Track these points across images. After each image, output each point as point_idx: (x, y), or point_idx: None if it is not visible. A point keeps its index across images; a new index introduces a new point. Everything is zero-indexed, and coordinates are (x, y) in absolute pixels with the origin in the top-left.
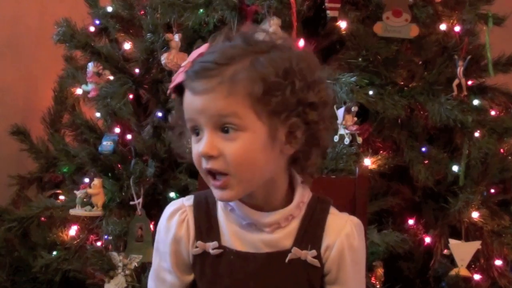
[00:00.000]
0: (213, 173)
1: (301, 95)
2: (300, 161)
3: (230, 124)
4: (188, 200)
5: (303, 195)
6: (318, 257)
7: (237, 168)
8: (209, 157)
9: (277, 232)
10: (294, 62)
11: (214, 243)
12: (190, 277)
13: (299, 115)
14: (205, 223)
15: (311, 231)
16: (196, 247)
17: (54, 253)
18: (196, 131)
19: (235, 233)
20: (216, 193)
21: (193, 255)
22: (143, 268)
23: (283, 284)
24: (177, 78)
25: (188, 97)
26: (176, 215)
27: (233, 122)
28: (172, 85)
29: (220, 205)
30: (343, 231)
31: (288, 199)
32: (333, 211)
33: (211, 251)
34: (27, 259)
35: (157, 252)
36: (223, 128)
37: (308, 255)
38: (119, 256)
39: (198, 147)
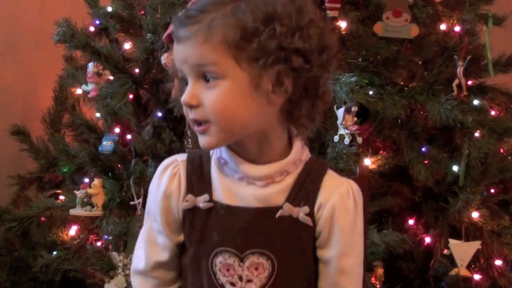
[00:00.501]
0: (198, 121)
1: (284, 40)
2: (291, 112)
3: (209, 73)
4: (181, 156)
5: (301, 152)
6: (310, 215)
7: (216, 116)
8: (190, 107)
9: (270, 187)
10: (279, 7)
11: (205, 196)
12: (181, 237)
13: (286, 61)
14: (197, 177)
15: (305, 188)
16: (186, 201)
17: (54, 253)
18: (186, 81)
19: (227, 187)
20: (200, 140)
21: (183, 210)
22: None
23: (272, 243)
24: (170, 28)
25: (175, 46)
26: (168, 170)
27: (211, 70)
28: (165, 34)
29: (213, 160)
30: (338, 190)
31: (286, 155)
32: (331, 172)
33: (201, 205)
34: (27, 259)
35: (148, 215)
36: (205, 77)
37: (301, 212)
38: (119, 256)
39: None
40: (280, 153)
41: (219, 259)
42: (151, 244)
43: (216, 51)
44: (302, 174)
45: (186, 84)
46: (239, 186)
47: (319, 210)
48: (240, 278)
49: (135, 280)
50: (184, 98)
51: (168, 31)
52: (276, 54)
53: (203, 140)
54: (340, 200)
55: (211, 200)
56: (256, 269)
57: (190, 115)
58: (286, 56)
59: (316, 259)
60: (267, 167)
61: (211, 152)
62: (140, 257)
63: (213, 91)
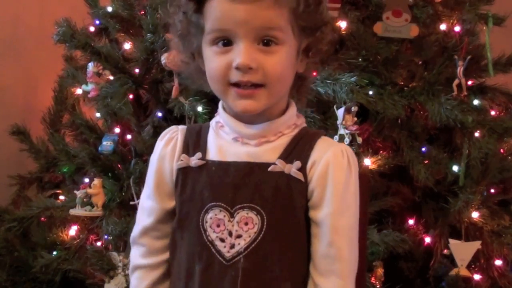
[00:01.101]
0: (250, 84)
1: (323, 15)
2: (300, 83)
3: (273, 37)
4: (182, 126)
5: (297, 118)
6: (303, 171)
7: (274, 81)
8: (247, 69)
9: (264, 146)
10: None
11: (198, 154)
12: (170, 204)
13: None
14: (193, 141)
15: (299, 148)
16: (181, 160)
17: (54, 253)
18: (224, 42)
19: (220, 147)
20: (240, 103)
21: (176, 170)
22: None
23: (263, 198)
24: None
25: (223, 4)
26: (167, 135)
27: (276, 35)
28: None
29: (212, 126)
30: (332, 149)
31: (277, 117)
32: (325, 137)
33: (193, 163)
34: (27, 259)
35: (145, 184)
36: (264, 41)
37: (293, 167)
38: (119, 256)
39: (227, 58)
40: (279, 115)
41: (209, 215)
42: (140, 209)
43: (283, 17)
44: (296, 136)
45: (222, 45)
46: (232, 146)
47: (311, 168)
48: (230, 234)
49: (131, 252)
50: (243, 60)
51: None
52: (316, 26)
53: (246, 104)
54: (333, 157)
55: (203, 158)
56: (246, 224)
57: (242, 77)
58: (321, 29)
59: (308, 224)
60: (260, 125)
61: (212, 121)
62: (134, 227)
63: (274, 56)
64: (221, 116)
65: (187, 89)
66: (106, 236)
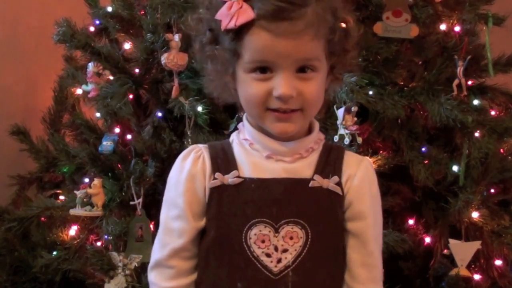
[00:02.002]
0: (290, 110)
1: (354, 36)
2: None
3: (312, 66)
4: (202, 145)
5: (319, 133)
6: (339, 184)
7: (311, 105)
8: (290, 97)
9: (298, 162)
10: (335, 2)
11: (234, 172)
12: (201, 223)
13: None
14: (222, 157)
15: (331, 163)
16: (215, 178)
17: (54, 253)
18: (262, 69)
19: (255, 164)
20: (278, 126)
21: (210, 189)
22: (143, 268)
23: (306, 212)
24: (241, 16)
25: (265, 38)
26: (191, 154)
27: (314, 64)
28: (236, 22)
29: (236, 142)
30: (363, 164)
31: (306, 134)
32: (348, 151)
33: (230, 181)
34: (27, 259)
35: (165, 204)
36: (301, 69)
37: (330, 182)
38: (119, 256)
39: (267, 86)
40: (301, 133)
41: (253, 231)
42: (167, 231)
43: (320, 47)
44: (324, 151)
45: (263, 72)
46: (267, 163)
47: (347, 181)
48: (276, 249)
49: (151, 276)
50: (285, 90)
51: (244, 19)
52: (346, 49)
53: (285, 127)
54: (366, 172)
55: (239, 176)
56: (291, 238)
57: (282, 105)
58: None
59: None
60: (294, 143)
61: (230, 139)
62: (155, 249)
63: (311, 82)
64: (249, 133)
65: (187, 89)
66: (106, 236)
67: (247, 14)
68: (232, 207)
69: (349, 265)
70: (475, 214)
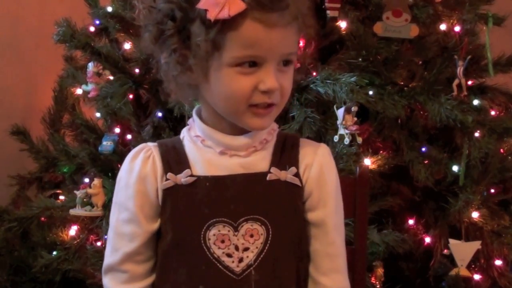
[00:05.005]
0: (271, 105)
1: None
2: None
3: (292, 60)
4: (150, 143)
5: (273, 123)
6: (297, 175)
7: (285, 99)
8: (275, 91)
9: (253, 155)
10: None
11: (187, 171)
12: (154, 226)
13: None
14: (173, 156)
15: (286, 153)
16: (167, 179)
17: (54, 253)
18: (250, 63)
19: (208, 161)
20: (256, 122)
21: (163, 191)
22: None
23: (265, 208)
24: (232, 5)
25: (258, 30)
26: (140, 154)
27: (293, 58)
28: (230, 12)
29: (187, 140)
30: (319, 151)
31: None
32: (303, 139)
33: (183, 180)
34: (27, 259)
35: (115, 206)
36: (283, 62)
37: (288, 174)
38: None
39: (252, 80)
40: None
41: (212, 232)
42: (119, 235)
43: (298, 40)
44: (278, 141)
45: (252, 66)
46: (222, 159)
47: (305, 171)
48: (236, 248)
49: (105, 280)
50: (273, 84)
51: (236, 10)
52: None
53: (262, 122)
54: (323, 159)
55: (192, 175)
56: (251, 236)
57: (268, 99)
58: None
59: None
60: (247, 136)
61: (181, 135)
62: (107, 253)
63: (287, 75)
64: (200, 129)
65: None
66: (106, 236)
67: (238, 3)
68: (187, 208)
69: (312, 256)
70: (475, 214)
